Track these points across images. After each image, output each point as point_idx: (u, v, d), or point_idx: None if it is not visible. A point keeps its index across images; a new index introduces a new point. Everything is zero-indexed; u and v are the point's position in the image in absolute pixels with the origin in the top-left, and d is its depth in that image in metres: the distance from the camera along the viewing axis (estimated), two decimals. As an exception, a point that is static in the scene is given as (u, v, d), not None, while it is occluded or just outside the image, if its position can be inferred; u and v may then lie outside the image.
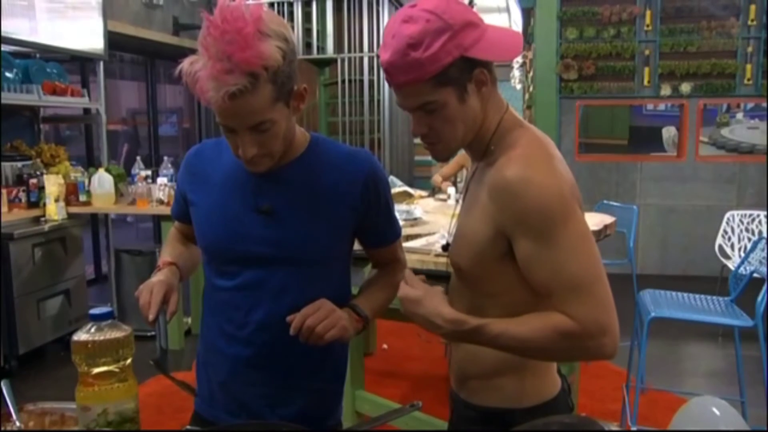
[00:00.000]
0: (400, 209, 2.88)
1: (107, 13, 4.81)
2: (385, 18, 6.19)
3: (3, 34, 3.82)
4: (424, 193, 4.22)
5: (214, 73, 1.06)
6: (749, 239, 4.93)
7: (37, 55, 4.53)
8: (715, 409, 0.92)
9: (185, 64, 1.11)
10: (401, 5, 6.64)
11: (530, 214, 1.06)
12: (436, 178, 4.23)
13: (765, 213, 5.02)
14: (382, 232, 1.41)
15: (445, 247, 1.29)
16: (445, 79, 1.08)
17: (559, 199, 1.07)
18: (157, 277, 1.30)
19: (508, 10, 9.19)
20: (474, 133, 1.17)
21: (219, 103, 1.10)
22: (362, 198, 1.31)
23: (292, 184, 1.28)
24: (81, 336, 1.06)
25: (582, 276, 1.06)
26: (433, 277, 2.32)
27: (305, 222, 1.28)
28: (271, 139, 1.19)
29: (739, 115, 5.98)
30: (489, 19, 1.17)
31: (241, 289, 1.30)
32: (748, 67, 5.84)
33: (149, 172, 4.59)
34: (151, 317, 1.22)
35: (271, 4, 6.33)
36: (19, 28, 4.04)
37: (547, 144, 1.15)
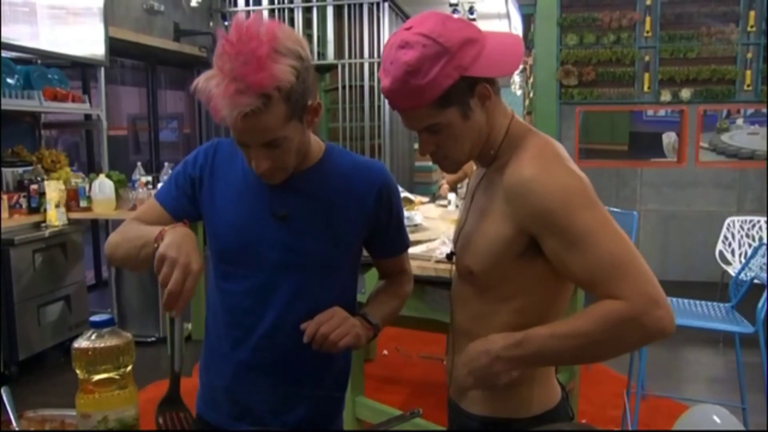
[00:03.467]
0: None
1: (108, 19, 4.82)
2: (385, 24, 6.19)
3: (4, 40, 3.83)
4: (424, 199, 4.22)
5: (227, 94, 1.06)
6: (750, 245, 4.93)
7: (39, 61, 4.54)
8: (715, 417, 0.92)
9: (200, 80, 1.10)
10: (401, 11, 6.66)
11: (552, 206, 1.06)
12: (444, 188, 4.18)
13: (765, 219, 5.02)
14: (392, 243, 1.42)
15: (450, 256, 1.29)
16: (448, 101, 1.08)
17: (578, 188, 1.08)
18: (193, 247, 1.12)
19: (508, 15, 9.21)
20: (481, 144, 1.17)
21: (232, 122, 1.11)
22: (375, 208, 1.32)
23: (307, 192, 1.29)
24: (81, 343, 1.06)
25: (619, 253, 1.04)
26: (433, 283, 2.34)
27: (319, 229, 1.29)
28: (284, 154, 1.20)
29: (739, 121, 5.98)
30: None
31: (251, 293, 1.30)
32: (748, 73, 5.85)
33: (150, 178, 4.60)
34: (174, 315, 1.13)
35: (272, 10, 6.35)
36: (20, 34, 4.04)
37: (558, 146, 1.16)
